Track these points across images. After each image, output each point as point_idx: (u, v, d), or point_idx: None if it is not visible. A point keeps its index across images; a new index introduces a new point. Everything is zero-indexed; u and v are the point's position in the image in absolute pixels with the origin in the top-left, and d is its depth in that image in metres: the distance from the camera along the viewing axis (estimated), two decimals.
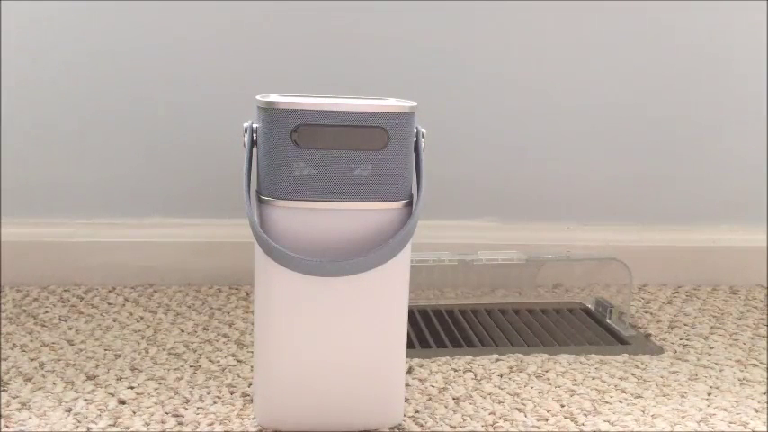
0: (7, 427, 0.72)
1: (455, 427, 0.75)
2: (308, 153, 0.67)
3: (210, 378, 0.85)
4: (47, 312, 1.03)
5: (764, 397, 0.84)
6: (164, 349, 0.92)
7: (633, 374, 0.89)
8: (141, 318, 1.03)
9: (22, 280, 1.13)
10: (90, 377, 0.84)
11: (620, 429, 0.76)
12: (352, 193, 0.68)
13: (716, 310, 1.15)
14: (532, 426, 0.76)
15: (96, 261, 1.15)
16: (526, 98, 1.20)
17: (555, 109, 1.21)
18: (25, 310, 1.04)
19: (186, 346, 0.93)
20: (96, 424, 0.73)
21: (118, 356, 0.90)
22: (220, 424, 0.74)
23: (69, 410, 0.76)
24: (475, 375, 0.87)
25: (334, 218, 0.68)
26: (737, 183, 1.27)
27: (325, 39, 1.13)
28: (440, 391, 0.83)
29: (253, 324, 0.95)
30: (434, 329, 1.02)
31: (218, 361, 0.89)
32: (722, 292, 1.24)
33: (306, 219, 0.68)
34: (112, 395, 0.80)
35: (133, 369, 0.86)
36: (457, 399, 0.81)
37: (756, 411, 0.81)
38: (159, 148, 1.15)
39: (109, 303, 1.08)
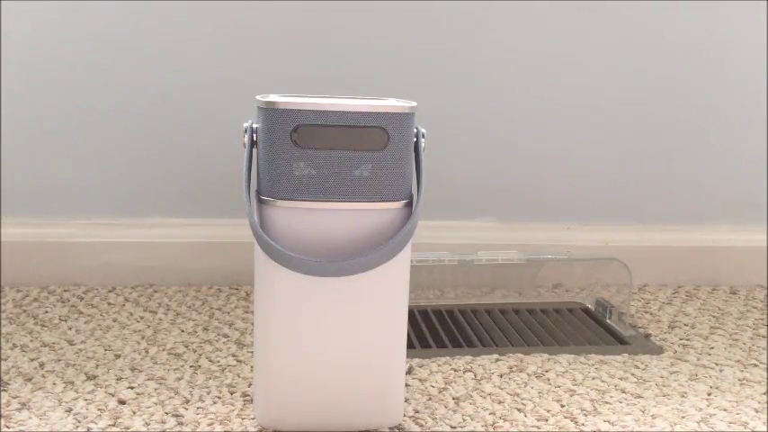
0: (7, 427, 0.72)
1: (455, 427, 0.75)
2: (308, 153, 0.67)
3: (210, 378, 0.85)
4: (47, 312, 1.03)
5: (764, 397, 0.84)
6: (164, 349, 0.92)
7: (633, 374, 0.89)
8: (141, 318, 1.03)
9: (22, 280, 1.13)
10: (90, 377, 0.84)
11: (620, 429, 0.76)
12: (351, 194, 0.68)
13: (716, 310, 1.15)
14: (532, 426, 0.76)
15: (96, 261, 1.15)
16: (526, 98, 1.19)
17: (555, 109, 1.21)
18: (25, 310, 1.04)
19: (186, 347, 0.93)
20: (96, 424, 0.73)
21: (118, 356, 0.90)
22: (220, 424, 0.74)
23: (69, 410, 0.76)
24: (475, 375, 0.87)
25: (335, 218, 0.68)
26: (737, 183, 1.27)
27: (324, 39, 1.13)
28: (440, 391, 0.83)
29: (253, 324, 0.95)
30: (434, 329, 1.02)
31: (218, 361, 0.89)
32: (722, 292, 1.24)
33: (306, 219, 0.68)
34: (112, 395, 0.80)
35: (133, 369, 0.86)
36: (457, 399, 0.81)
37: (756, 411, 0.81)
38: (159, 148, 1.15)
39: (109, 303, 1.08)
